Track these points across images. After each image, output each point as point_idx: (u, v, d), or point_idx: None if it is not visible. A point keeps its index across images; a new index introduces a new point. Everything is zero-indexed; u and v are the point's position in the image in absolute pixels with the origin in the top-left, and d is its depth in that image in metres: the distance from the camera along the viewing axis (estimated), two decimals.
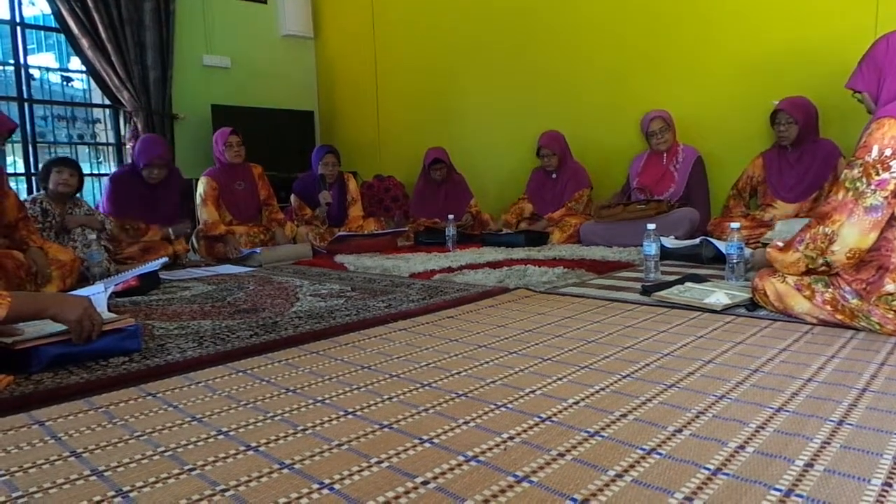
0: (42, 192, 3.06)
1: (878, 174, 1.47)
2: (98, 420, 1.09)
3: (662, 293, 1.99)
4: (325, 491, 0.81)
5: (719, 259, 2.58)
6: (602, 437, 0.96)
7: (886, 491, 0.77)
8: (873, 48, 1.65)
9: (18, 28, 4.35)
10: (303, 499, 0.79)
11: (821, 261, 1.56)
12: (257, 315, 1.98)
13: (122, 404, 1.17)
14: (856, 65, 1.70)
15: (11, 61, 4.33)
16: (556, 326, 1.70)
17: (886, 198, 1.47)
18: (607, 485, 0.80)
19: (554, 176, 4.09)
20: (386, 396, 1.17)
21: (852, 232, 1.49)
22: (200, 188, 3.71)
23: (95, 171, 4.80)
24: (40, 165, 4.20)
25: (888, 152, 1.46)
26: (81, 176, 3.13)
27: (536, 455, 0.90)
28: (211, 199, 3.68)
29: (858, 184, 1.49)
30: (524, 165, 4.24)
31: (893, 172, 1.46)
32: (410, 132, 5.25)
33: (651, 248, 2.36)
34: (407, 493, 0.80)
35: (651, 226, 2.38)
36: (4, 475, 0.89)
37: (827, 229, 1.53)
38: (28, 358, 1.38)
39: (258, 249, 3.46)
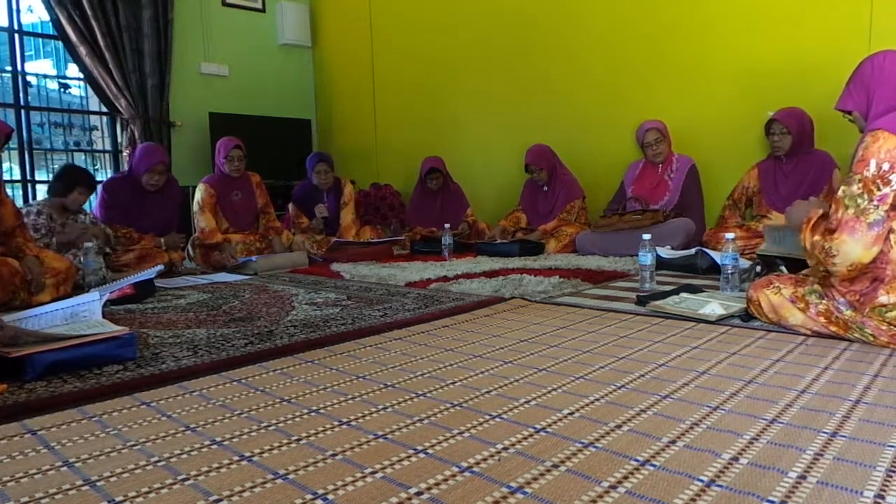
0: (45, 199, 3.06)
1: (879, 189, 1.47)
2: (91, 429, 1.09)
3: (658, 303, 2.00)
4: (319, 501, 0.81)
5: (714, 269, 2.59)
6: (596, 447, 0.96)
7: (879, 503, 0.78)
8: (859, 69, 1.68)
9: (16, 35, 4.36)
10: None
11: (821, 268, 1.58)
12: (252, 324, 1.97)
13: (115, 413, 1.17)
14: (843, 87, 1.73)
15: (9, 68, 4.34)
16: (551, 336, 1.70)
17: (887, 211, 1.48)
18: (601, 496, 0.81)
19: (545, 189, 4.10)
20: (381, 406, 1.17)
21: (855, 248, 1.49)
22: (198, 195, 3.71)
23: None
24: (39, 170, 4.20)
25: (886, 166, 1.46)
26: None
27: (531, 466, 0.90)
28: (208, 207, 3.68)
29: (860, 200, 1.48)
30: (520, 175, 4.26)
31: (893, 186, 1.46)
32: (407, 141, 5.26)
33: (647, 258, 2.37)
34: (401, 503, 0.80)
35: (647, 236, 2.39)
36: None
37: (826, 244, 1.53)
38: (22, 366, 1.37)
39: (254, 258, 3.46)
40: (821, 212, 1.65)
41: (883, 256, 1.52)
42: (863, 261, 1.51)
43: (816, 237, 1.58)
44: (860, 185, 1.49)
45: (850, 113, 1.71)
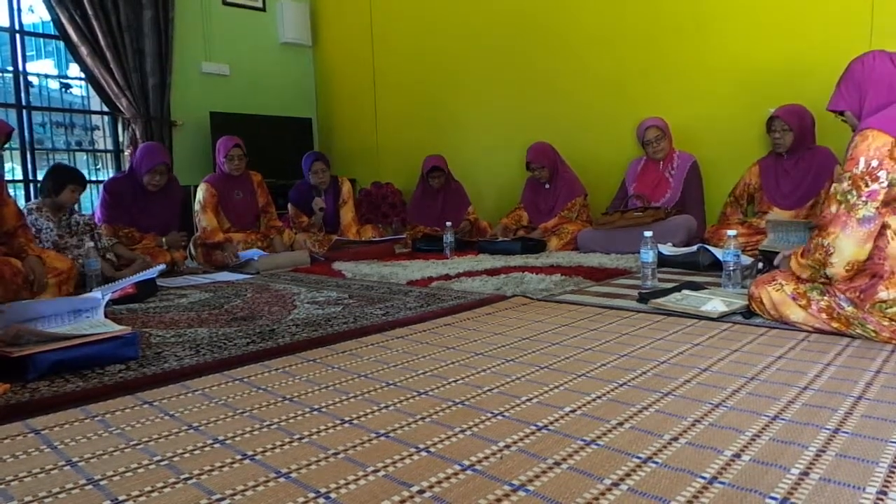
0: (38, 200, 3.06)
1: (867, 185, 1.50)
2: (94, 429, 1.09)
3: (659, 300, 2.00)
4: (322, 500, 0.81)
5: (716, 266, 2.58)
6: (598, 445, 0.96)
7: (881, 499, 0.77)
8: (850, 69, 1.70)
9: (17, 35, 4.36)
10: None
11: (821, 272, 1.58)
12: (254, 323, 1.97)
13: (118, 413, 1.17)
14: (834, 88, 1.73)
15: (10, 68, 4.34)
16: (553, 334, 1.70)
17: (878, 208, 1.49)
18: (603, 493, 0.81)
19: (547, 186, 4.10)
20: (383, 405, 1.17)
21: (848, 244, 1.51)
22: (200, 195, 3.71)
23: (94, 178, 4.80)
24: (40, 170, 4.21)
25: (874, 163, 1.49)
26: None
27: (533, 464, 0.90)
28: (210, 206, 3.68)
29: (849, 196, 1.52)
30: (522, 173, 4.26)
31: (882, 182, 1.49)
32: (408, 139, 5.26)
33: (648, 256, 2.36)
34: (403, 501, 0.80)
35: (648, 233, 2.39)
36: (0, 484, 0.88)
37: (824, 241, 1.55)
38: (25, 366, 1.37)
39: (255, 254, 3.45)
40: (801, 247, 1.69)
41: (880, 252, 1.53)
42: (858, 258, 1.52)
43: (814, 235, 1.59)
44: (849, 182, 1.52)
45: (842, 114, 1.73)
